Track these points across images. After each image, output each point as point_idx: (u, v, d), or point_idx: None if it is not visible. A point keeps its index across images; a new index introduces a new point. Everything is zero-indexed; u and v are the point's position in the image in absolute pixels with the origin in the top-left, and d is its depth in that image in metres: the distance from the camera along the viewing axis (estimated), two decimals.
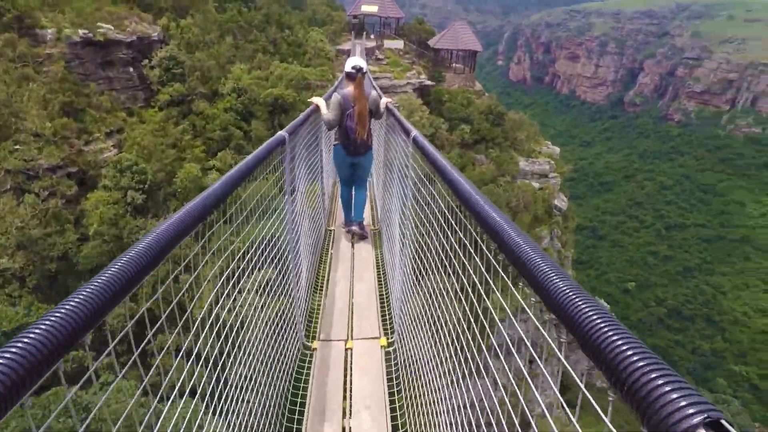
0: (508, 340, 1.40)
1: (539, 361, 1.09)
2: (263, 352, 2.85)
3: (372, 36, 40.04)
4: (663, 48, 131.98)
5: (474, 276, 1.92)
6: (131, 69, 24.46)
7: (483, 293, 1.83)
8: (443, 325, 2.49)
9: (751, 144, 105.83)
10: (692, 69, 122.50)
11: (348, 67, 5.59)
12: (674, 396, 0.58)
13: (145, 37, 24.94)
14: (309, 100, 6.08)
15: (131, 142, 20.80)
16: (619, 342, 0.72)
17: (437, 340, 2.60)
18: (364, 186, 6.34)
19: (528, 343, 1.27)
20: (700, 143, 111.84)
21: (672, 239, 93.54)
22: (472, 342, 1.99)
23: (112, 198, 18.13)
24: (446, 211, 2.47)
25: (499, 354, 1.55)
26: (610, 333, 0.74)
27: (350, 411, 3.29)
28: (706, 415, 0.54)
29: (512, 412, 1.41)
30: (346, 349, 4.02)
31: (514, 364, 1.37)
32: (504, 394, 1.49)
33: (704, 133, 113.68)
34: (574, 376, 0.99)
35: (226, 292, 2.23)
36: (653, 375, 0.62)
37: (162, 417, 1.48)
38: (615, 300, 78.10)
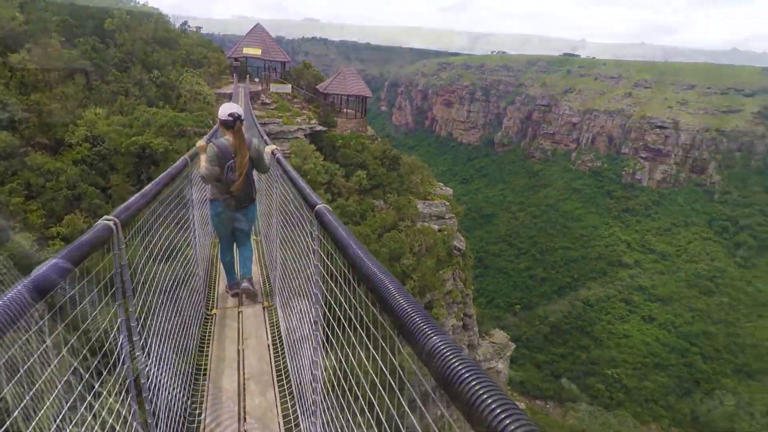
0: (417, 398, 1.39)
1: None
2: None
3: (256, 80, 37.81)
4: (520, 96, 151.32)
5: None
6: None
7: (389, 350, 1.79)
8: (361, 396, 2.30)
9: (594, 176, 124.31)
10: (544, 114, 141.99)
11: (224, 115, 5.00)
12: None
13: None
14: (199, 143, 5.26)
15: None
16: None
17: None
18: (248, 240, 5.80)
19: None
20: (558, 177, 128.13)
21: (546, 262, 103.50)
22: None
23: None
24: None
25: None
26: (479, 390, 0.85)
27: None
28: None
29: None
30: None
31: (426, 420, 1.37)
32: None
33: (560, 168, 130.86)
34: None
35: None
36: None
37: None
38: (506, 324, 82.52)
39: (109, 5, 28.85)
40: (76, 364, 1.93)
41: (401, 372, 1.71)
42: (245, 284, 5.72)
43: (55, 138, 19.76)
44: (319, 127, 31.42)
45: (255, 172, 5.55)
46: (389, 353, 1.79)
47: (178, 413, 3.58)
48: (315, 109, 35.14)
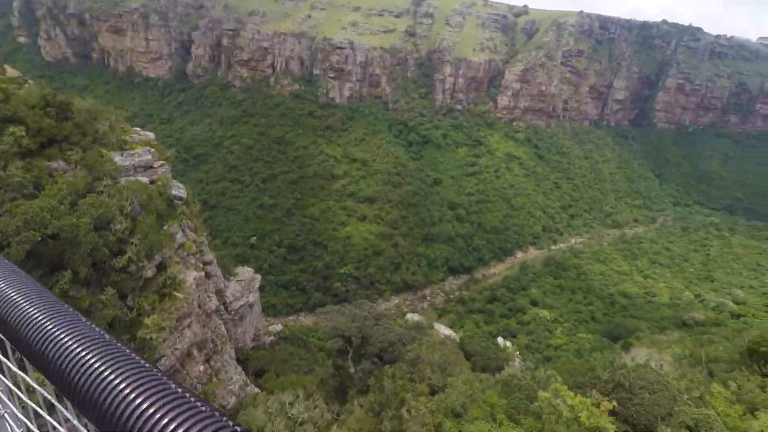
0: None
1: None
2: None
3: None
4: (203, 20, 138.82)
5: None
6: None
7: None
8: None
9: (295, 99, 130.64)
10: (234, 39, 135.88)
11: None
12: None
13: None
14: None
15: None
16: None
17: None
18: None
19: None
20: (262, 103, 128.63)
21: (270, 190, 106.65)
22: None
23: None
24: None
25: None
26: None
27: None
28: None
29: None
30: None
31: None
32: None
33: (262, 94, 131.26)
34: None
35: None
36: None
37: None
38: (246, 257, 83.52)
39: None
40: None
41: None
42: None
43: None
44: None
45: None
46: None
47: None
48: None
